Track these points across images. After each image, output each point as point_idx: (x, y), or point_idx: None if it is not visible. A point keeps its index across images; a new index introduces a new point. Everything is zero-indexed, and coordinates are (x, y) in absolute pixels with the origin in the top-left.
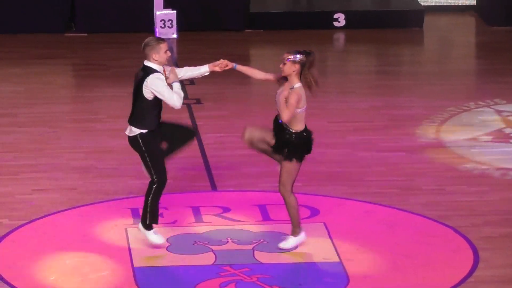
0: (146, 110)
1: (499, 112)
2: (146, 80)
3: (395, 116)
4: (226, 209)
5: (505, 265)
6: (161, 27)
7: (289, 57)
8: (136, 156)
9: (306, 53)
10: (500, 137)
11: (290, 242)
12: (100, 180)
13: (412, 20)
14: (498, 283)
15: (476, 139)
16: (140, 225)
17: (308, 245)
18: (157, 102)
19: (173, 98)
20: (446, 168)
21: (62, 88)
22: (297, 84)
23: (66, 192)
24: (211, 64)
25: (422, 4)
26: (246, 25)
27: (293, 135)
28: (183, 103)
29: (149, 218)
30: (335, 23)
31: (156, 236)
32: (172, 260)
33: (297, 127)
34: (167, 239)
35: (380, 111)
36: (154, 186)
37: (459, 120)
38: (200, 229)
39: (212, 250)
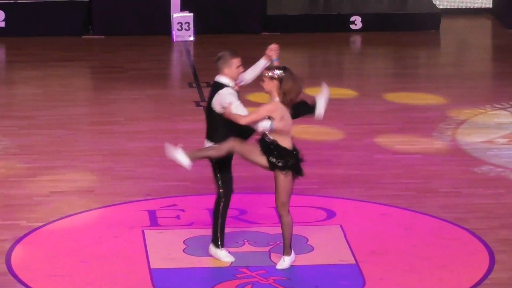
0: (218, 124)
1: None
2: (217, 94)
3: (412, 118)
4: (243, 211)
5: None
6: (178, 29)
7: (267, 73)
8: (153, 158)
9: (281, 68)
10: None
11: (287, 262)
12: (117, 182)
13: (428, 23)
14: None
15: (492, 142)
16: (211, 246)
17: (324, 247)
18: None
19: (243, 119)
20: (462, 170)
21: (80, 91)
22: (276, 99)
23: (84, 194)
24: (266, 55)
25: (439, 6)
26: (263, 27)
27: (278, 150)
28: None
29: (220, 238)
30: (352, 26)
31: (227, 254)
32: (189, 262)
33: (284, 143)
34: (184, 241)
35: (397, 113)
36: (221, 205)
37: (475, 123)
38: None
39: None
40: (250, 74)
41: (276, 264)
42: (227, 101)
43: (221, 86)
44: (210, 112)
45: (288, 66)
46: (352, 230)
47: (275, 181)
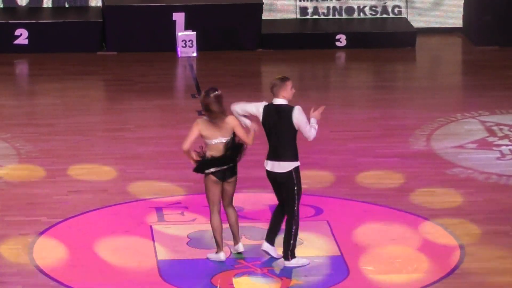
0: (295, 141)
1: (483, 122)
2: (294, 113)
3: (391, 126)
4: (240, 209)
5: (488, 259)
6: (182, 46)
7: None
8: (160, 161)
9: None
10: (484, 145)
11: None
12: (129, 183)
13: (405, 41)
14: (483, 274)
15: (463, 147)
16: (286, 261)
17: (313, 241)
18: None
19: (311, 130)
20: (436, 172)
21: (95, 101)
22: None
23: (98, 193)
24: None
25: (415, 26)
26: (258, 45)
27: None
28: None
29: (293, 247)
30: (337, 43)
31: (304, 259)
32: (192, 253)
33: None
34: (187, 235)
35: (377, 121)
36: (295, 218)
37: (447, 130)
38: None
39: (227, 245)
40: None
41: (271, 256)
42: (302, 120)
43: (290, 107)
44: (286, 130)
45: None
46: (337, 225)
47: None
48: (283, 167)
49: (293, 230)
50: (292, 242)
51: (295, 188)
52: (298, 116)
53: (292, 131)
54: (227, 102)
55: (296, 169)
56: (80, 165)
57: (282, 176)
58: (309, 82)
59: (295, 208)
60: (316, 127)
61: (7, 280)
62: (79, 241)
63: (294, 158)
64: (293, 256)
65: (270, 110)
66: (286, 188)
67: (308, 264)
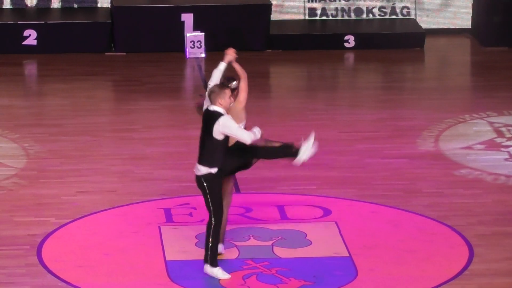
0: (215, 149)
1: (491, 123)
2: (218, 122)
3: (399, 126)
4: (248, 209)
5: (496, 260)
6: (190, 47)
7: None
8: (168, 162)
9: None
10: (492, 146)
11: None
12: (137, 183)
13: (414, 41)
14: (491, 275)
15: (471, 148)
16: (206, 266)
17: (321, 242)
18: (226, 142)
19: (244, 134)
20: (444, 173)
21: (103, 102)
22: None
23: (106, 194)
24: (224, 60)
25: (423, 27)
26: (267, 45)
27: None
28: None
29: (211, 257)
30: (346, 44)
31: (222, 272)
32: (200, 254)
33: None
34: (195, 236)
35: (385, 122)
36: (212, 227)
37: (456, 131)
38: (226, 227)
39: (236, 246)
40: (217, 80)
41: (278, 257)
42: (230, 127)
43: (218, 114)
44: (207, 137)
45: (289, 80)
46: (346, 226)
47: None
48: (198, 169)
49: (210, 239)
50: (209, 251)
51: (208, 197)
52: (223, 124)
53: (212, 139)
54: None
55: (207, 177)
56: (88, 165)
57: (196, 179)
58: (317, 82)
59: (211, 217)
60: (256, 132)
61: (16, 281)
62: (87, 241)
63: (209, 164)
64: (214, 265)
65: (204, 114)
66: (202, 194)
67: (227, 278)
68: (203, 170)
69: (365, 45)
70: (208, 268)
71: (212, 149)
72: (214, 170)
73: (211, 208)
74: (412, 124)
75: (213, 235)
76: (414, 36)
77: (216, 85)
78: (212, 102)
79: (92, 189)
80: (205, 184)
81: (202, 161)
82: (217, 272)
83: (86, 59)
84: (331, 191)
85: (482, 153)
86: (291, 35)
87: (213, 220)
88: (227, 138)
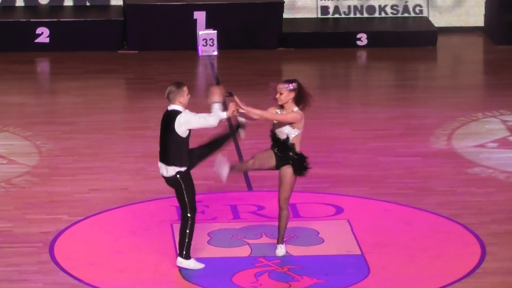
0: (181, 148)
1: (504, 121)
2: (178, 119)
3: (411, 125)
4: (261, 207)
5: (509, 258)
6: (203, 45)
7: (285, 86)
8: None
9: (295, 81)
10: (505, 144)
11: (284, 248)
12: (149, 181)
13: (426, 40)
14: (504, 274)
15: (484, 146)
16: (180, 259)
17: (333, 240)
18: (188, 137)
19: (208, 119)
20: (457, 171)
21: (116, 100)
22: (296, 108)
23: (119, 192)
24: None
25: (436, 25)
26: (279, 44)
27: (297, 155)
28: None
29: (187, 250)
30: (358, 42)
31: (196, 262)
32: (212, 252)
33: (298, 148)
34: (208, 234)
35: (398, 120)
36: (189, 222)
37: (468, 129)
38: (237, 224)
39: (248, 244)
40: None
41: (290, 254)
42: (191, 121)
43: (177, 112)
44: (169, 137)
45: (301, 78)
46: (358, 224)
47: (282, 178)
48: (166, 171)
49: (187, 232)
50: (185, 243)
51: (184, 192)
52: (185, 119)
53: (176, 137)
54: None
55: (181, 173)
56: (101, 163)
57: (169, 180)
58: (330, 81)
59: (188, 214)
60: (220, 112)
61: (28, 278)
62: (99, 239)
63: (179, 164)
64: (188, 257)
65: (164, 115)
66: (176, 192)
67: (202, 268)
68: (172, 171)
69: (377, 43)
70: (182, 261)
71: (176, 148)
72: (183, 169)
73: (187, 202)
74: (425, 122)
75: (190, 228)
76: (427, 34)
77: (173, 84)
78: (172, 101)
79: (104, 186)
80: (181, 181)
81: (169, 162)
82: (192, 263)
83: (99, 57)
84: (343, 189)
85: (495, 151)
86: (303, 33)
87: (188, 214)
88: (189, 135)
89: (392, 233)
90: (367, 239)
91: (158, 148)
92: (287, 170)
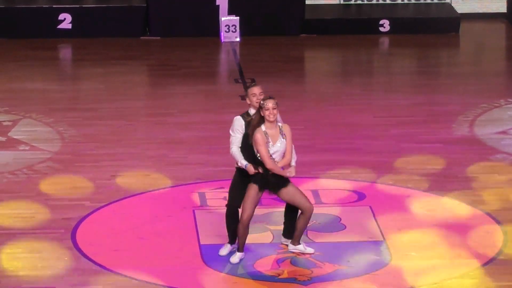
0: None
1: None
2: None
3: (434, 111)
4: None
5: None
6: (225, 31)
7: (275, 102)
8: (203, 146)
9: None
10: None
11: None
12: (171, 167)
13: (449, 26)
14: None
15: (506, 132)
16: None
17: (355, 226)
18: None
19: (232, 145)
20: (480, 158)
21: (138, 86)
22: (281, 123)
23: (141, 178)
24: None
25: (459, 11)
26: (302, 30)
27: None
28: None
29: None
30: (381, 29)
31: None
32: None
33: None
34: None
35: (421, 107)
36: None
37: (491, 116)
38: (260, 211)
39: (270, 230)
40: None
41: (312, 241)
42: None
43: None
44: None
45: (323, 64)
46: (380, 211)
47: (290, 194)
48: None
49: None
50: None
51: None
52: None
53: None
54: (270, 89)
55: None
56: (123, 149)
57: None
58: (352, 67)
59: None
60: (243, 161)
61: (50, 265)
62: (121, 225)
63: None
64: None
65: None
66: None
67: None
68: None
69: (400, 30)
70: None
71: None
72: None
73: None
74: (447, 109)
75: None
76: (449, 21)
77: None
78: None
79: (126, 173)
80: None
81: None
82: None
83: (121, 43)
84: (365, 176)
85: None
86: (326, 20)
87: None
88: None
89: (414, 219)
90: (389, 225)
91: (181, 135)
92: (291, 187)
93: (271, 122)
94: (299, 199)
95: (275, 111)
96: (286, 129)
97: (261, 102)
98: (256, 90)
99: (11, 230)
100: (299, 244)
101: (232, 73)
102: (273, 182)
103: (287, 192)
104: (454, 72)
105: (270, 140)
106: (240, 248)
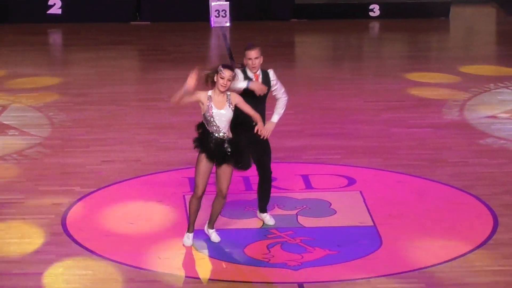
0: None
1: None
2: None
3: (424, 96)
4: (273, 179)
5: None
6: (215, 16)
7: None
8: (193, 131)
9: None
10: None
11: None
12: (162, 153)
13: (439, 11)
14: None
15: (496, 117)
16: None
17: (346, 211)
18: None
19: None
20: (469, 142)
21: (129, 71)
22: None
23: (131, 163)
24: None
25: None
26: (292, 15)
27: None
28: None
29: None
30: (371, 13)
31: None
32: (225, 223)
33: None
34: None
35: (411, 91)
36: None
37: (481, 100)
38: (250, 196)
39: (261, 217)
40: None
41: (303, 226)
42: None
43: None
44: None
45: (314, 49)
46: (370, 195)
47: (223, 172)
48: None
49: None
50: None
51: None
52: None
53: None
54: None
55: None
56: (113, 134)
57: None
58: (342, 52)
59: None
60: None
61: (41, 250)
62: (112, 211)
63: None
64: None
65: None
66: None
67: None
68: None
69: (390, 15)
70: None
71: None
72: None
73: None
74: (437, 93)
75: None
76: (440, 5)
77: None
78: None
79: (117, 158)
80: None
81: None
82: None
83: (111, 28)
84: (356, 161)
85: (507, 122)
86: (316, 4)
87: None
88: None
89: (405, 204)
90: (379, 210)
91: (171, 119)
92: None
93: (220, 92)
94: (223, 180)
95: (229, 83)
96: (234, 97)
97: (219, 66)
98: (252, 54)
99: (0, 216)
100: (213, 229)
101: (222, 58)
102: (215, 151)
103: (223, 169)
104: (444, 56)
105: (212, 105)
106: (190, 228)
